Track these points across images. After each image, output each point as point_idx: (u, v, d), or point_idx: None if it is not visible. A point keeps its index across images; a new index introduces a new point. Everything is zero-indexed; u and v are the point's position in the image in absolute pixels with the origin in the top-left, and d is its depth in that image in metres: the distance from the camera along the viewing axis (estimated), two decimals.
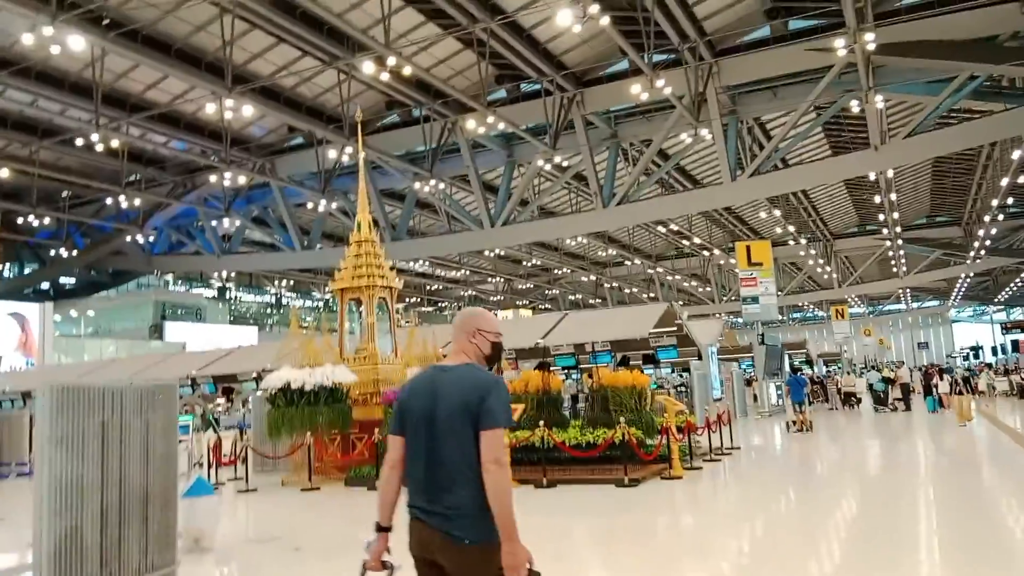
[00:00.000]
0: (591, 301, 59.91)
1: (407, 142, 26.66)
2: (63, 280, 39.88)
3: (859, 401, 28.35)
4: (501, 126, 23.73)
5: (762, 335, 30.19)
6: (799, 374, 22.90)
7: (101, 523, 3.71)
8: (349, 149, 24.40)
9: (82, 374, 23.15)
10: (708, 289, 54.67)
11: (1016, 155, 26.55)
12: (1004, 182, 30.41)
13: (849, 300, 61.89)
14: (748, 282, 29.47)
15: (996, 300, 67.06)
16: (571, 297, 61.07)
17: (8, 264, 38.36)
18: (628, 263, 50.28)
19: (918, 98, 22.96)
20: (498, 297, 61.55)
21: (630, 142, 27.45)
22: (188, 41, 20.36)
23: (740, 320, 51.54)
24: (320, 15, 18.37)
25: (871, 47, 18.18)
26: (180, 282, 48.90)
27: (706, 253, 48.22)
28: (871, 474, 12.43)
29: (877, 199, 35.37)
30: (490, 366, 2.99)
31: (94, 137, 21.63)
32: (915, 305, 77.02)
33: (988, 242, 42.48)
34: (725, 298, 52.97)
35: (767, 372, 29.43)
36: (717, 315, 47.90)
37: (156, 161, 28.85)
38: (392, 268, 14.45)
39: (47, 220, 31.93)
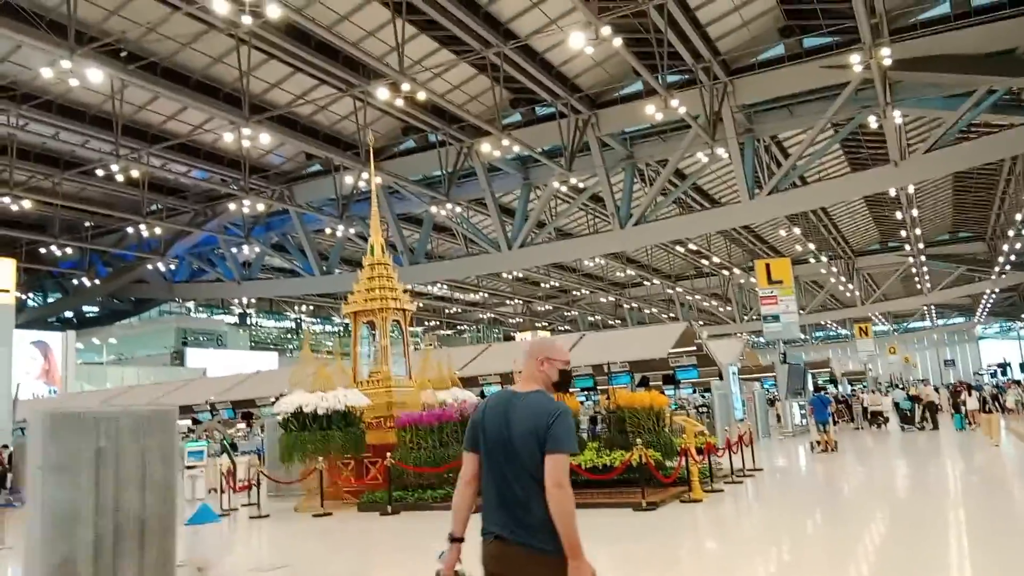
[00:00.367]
0: (610, 322, 59.63)
1: (424, 167, 26.82)
2: (86, 309, 40.41)
3: (886, 420, 27.77)
4: (516, 149, 23.80)
5: (784, 354, 29.77)
6: (823, 393, 22.48)
7: (95, 553, 3.63)
8: (366, 175, 24.57)
9: (102, 401, 23.31)
10: (729, 309, 54.18)
11: None
12: None
13: (873, 318, 61.06)
14: (768, 300, 29.14)
15: (1023, 316, 65.80)
16: (590, 318, 60.82)
17: (32, 294, 38.93)
18: (647, 283, 50.01)
19: (937, 113, 22.73)
20: (517, 319, 61.46)
21: (646, 162, 27.42)
22: (206, 72, 20.69)
23: (762, 339, 50.96)
24: (335, 44, 18.59)
25: (887, 63, 18.06)
26: (201, 309, 49.38)
27: (726, 272, 47.86)
28: (899, 496, 12.08)
29: (899, 215, 35.00)
30: (559, 391, 3.17)
31: (115, 168, 21.95)
32: (940, 322, 75.81)
33: (1013, 257, 41.76)
34: (746, 317, 52.44)
35: (790, 391, 28.97)
36: (738, 335, 47.44)
37: (177, 190, 29.25)
38: (406, 291, 14.41)
39: (70, 250, 32.44)
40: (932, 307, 65.21)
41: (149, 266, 34.12)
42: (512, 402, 3.02)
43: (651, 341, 19.20)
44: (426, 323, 61.70)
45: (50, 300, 39.26)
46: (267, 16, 15.13)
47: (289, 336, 56.04)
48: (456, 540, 3.04)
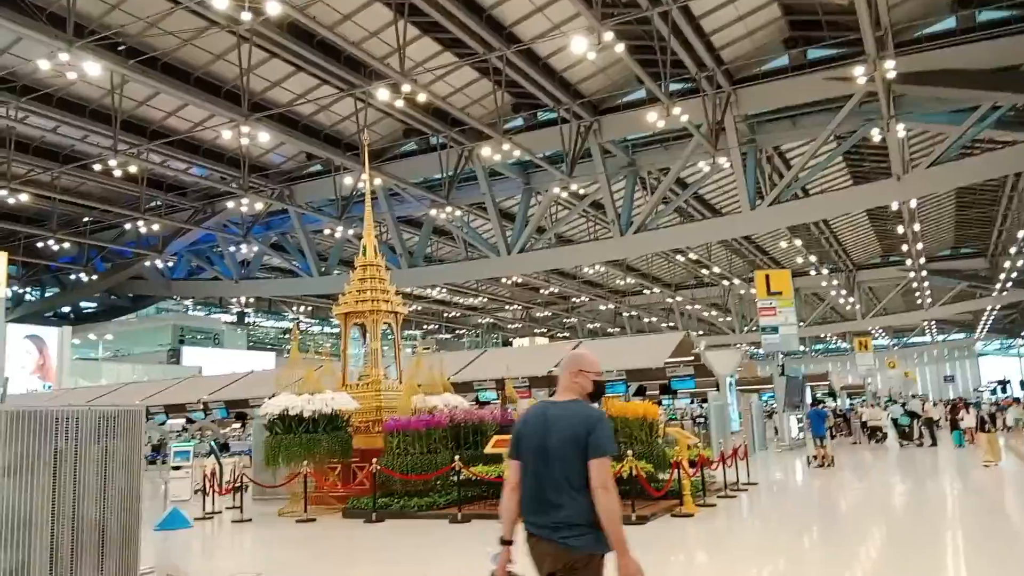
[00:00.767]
0: (610, 330, 59.43)
1: (424, 170, 26.69)
2: (83, 304, 40.23)
3: (884, 436, 27.56)
4: (517, 154, 23.67)
5: (782, 366, 29.56)
6: (821, 407, 22.29)
7: (51, 560, 3.48)
8: (365, 176, 24.45)
9: (93, 398, 23.14)
10: (729, 319, 53.99)
11: None
12: None
13: (873, 332, 60.83)
14: (767, 311, 28.95)
15: (1023, 334, 65.58)
16: (589, 326, 60.63)
17: (29, 288, 38.78)
18: (647, 292, 49.82)
19: (940, 127, 22.60)
20: (516, 325, 61.28)
21: (648, 170, 27.28)
22: (207, 69, 20.56)
23: (761, 351, 50.77)
24: (337, 44, 18.47)
25: (891, 75, 17.91)
26: (199, 307, 49.21)
27: (726, 282, 47.69)
28: (895, 514, 11.91)
29: (900, 229, 34.81)
30: (593, 401, 3.43)
31: (112, 163, 21.81)
32: (941, 338, 75.57)
33: (1015, 274, 41.59)
34: (746, 328, 52.23)
35: (788, 404, 28.75)
36: (738, 345, 47.24)
37: (176, 187, 29.12)
38: (399, 293, 14.23)
39: (68, 245, 32.27)
40: (932, 322, 64.96)
41: (147, 263, 33.96)
42: (551, 411, 3.28)
43: (648, 350, 19.04)
44: (425, 327, 61.53)
45: (47, 295, 39.11)
46: (267, 13, 14.99)
47: (287, 337, 55.87)
48: (506, 543, 3.27)
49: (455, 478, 11.13)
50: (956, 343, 76.04)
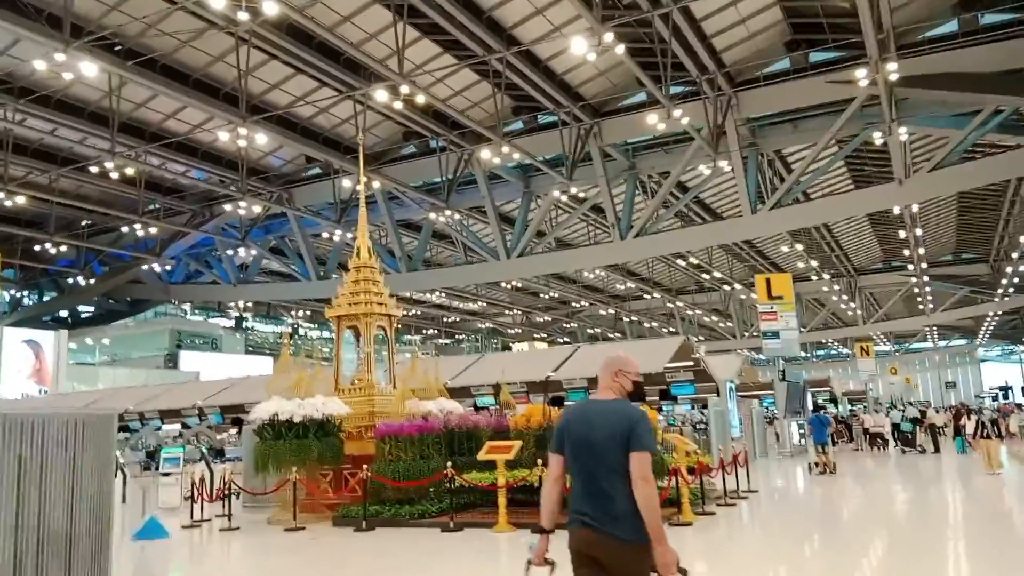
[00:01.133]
0: (610, 335, 59.23)
1: (424, 173, 26.56)
2: (81, 308, 40.04)
3: (887, 443, 27.34)
4: (517, 157, 23.55)
5: (783, 371, 29.35)
6: (822, 413, 22.08)
7: (15, 571, 3.32)
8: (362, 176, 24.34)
9: (88, 402, 22.96)
10: (729, 324, 53.79)
11: None
12: None
13: (874, 337, 60.60)
14: (768, 316, 28.73)
15: None
16: (590, 331, 60.43)
17: (27, 292, 38.62)
18: (647, 296, 49.65)
19: (942, 131, 22.45)
20: (516, 330, 61.09)
21: (648, 174, 27.14)
22: (206, 71, 20.46)
23: (762, 357, 50.57)
24: (336, 45, 18.35)
25: (894, 78, 17.78)
26: (197, 312, 49.02)
27: (727, 287, 47.51)
28: (898, 523, 11.70)
29: (902, 234, 34.66)
30: (633, 400, 3.57)
31: (108, 165, 21.67)
32: (942, 343, 75.35)
33: (1016, 280, 41.40)
34: (747, 334, 52.02)
35: (789, 410, 28.55)
36: (738, 351, 47.02)
37: (174, 190, 28.99)
38: (393, 296, 14.05)
39: (65, 248, 32.14)
40: (934, 328, 64.73)
41: (145, 267, 33.80)
42: (592, 408, 3.45)
43: (647, 355, 18.82)
44: (424, 331, 61.34)
45: (45, 298, 38.95)
46: (264, 13, 14.86)
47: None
48: (545, 532, 3.44)
49: (448, 485, 10.93)
50: (958, 349, 75.83)
